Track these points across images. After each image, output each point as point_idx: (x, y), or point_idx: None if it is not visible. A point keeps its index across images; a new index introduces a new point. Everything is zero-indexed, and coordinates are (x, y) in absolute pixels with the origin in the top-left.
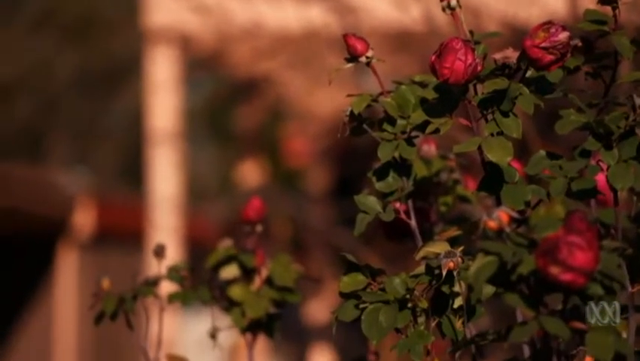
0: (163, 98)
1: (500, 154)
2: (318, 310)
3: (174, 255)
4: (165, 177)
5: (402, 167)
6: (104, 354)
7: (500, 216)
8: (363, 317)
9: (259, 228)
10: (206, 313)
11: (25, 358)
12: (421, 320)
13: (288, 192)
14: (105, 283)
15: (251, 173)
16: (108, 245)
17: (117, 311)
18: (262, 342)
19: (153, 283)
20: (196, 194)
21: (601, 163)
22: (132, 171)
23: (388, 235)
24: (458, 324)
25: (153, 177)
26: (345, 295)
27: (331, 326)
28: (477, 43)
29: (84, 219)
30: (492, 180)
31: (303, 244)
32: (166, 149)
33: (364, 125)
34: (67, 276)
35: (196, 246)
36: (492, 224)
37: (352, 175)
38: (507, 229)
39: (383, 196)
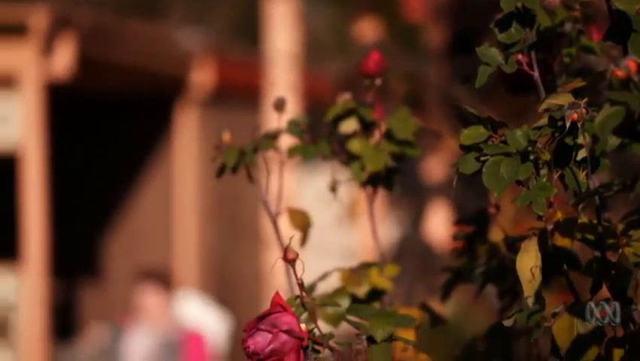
0: None
1: (628, 2)
2: (437, 165)
3: (292, 111)
4: (282, 33)
5: (525, 17)
6: (224, 210)
7: (628, 65)
8: (484, 170)
9: (378, 81)
10: (323, 170)
11: (147, 215)
12: (543, 172)
13: (406, 49)
14: (226, 136)
15: (368, 30)
16: (226, 102)
17: (238, 164)
18: (381, 196)
19: (274, 136)
20: (313, 51)
21: None
22: (249, 28)
23: (510, 87)
24: (582, 176)
25: (271, 34)
26: (465, 148)
27: (452, 178)
28: None
29: (203, 76)
30: (619, 29)
31: (420, 100)
32: (283, 5)
33: None
34: (186, 134)
35: (314, 103)
36: (620, 73)
37: (470, 31)
38: (635, 79)
39: (505, 48)
